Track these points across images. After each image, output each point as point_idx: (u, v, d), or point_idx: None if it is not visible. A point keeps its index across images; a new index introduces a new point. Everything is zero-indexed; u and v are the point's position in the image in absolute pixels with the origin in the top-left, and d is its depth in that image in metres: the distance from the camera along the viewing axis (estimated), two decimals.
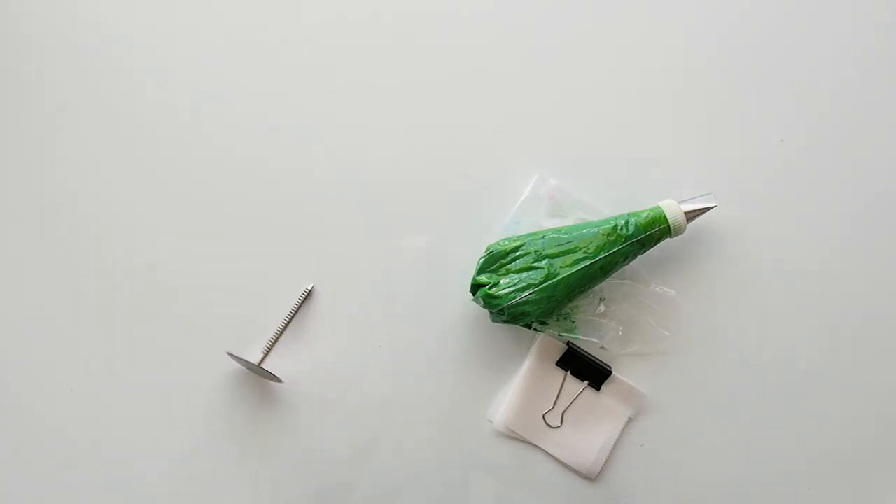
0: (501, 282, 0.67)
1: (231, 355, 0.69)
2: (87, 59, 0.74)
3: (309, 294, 0.72)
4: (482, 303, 0.68)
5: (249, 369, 0.71)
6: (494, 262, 0.68)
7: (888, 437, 0.71)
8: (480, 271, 0.68)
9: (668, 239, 0.70)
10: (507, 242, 0.68)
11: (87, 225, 0.73)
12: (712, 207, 0.70)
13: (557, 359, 0.71)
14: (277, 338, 0.71)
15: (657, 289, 0.72)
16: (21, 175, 0.73)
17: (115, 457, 0.71)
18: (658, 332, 0.71)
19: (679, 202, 0.69)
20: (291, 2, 0.75)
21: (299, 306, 0.72)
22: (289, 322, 0.71)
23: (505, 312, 0.67)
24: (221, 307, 0.72)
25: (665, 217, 0.68)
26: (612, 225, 0.68)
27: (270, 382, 0.72)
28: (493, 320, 0.70)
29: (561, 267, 0.67)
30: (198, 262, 0.72)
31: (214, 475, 0.71)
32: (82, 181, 0.73)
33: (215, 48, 0.74)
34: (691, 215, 0.69)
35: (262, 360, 0.71)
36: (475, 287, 0.68)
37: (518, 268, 0.67)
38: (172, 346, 0.72)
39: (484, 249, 0.68)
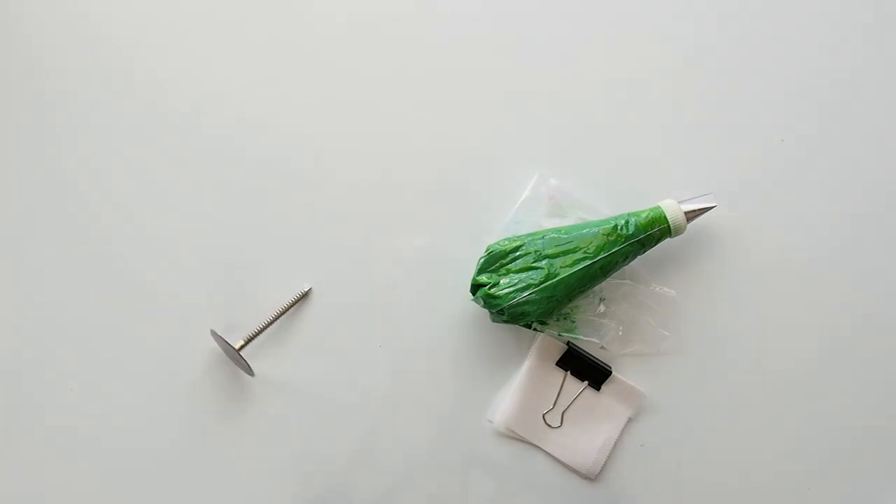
0: (501, 282, 0.67)
1: (214, 334, 0.69)
2: (88, 59, 0.74)
3: (305, 295, 0.72)
4: (482, 303, 0.68)
5: (227, 354, 0.70)
6: (494, 262, 0.68)
7: (888, 438, 0.71)
8: (480, 271, 0.68)
9: (668, 239, 0.70)
10: (507, 242, 0.68)
11: (84, 219, 0.73)
12: (712, 207, 0.70)
13: (557, 359, 0.71)
14: (263, 329, 0.70)
15: (657, 289, 0.72)
16: (18, 174, 0.73)
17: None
18: (658, 332, 0.71)
19: (679, 202, 0.69)
20: (293, 2, 0.75)
21: (293, 304, 0.71)
22: (278, 316, 0.70)
23: (505, 312, 0.66)
24: (217, 300, 0.72)
25: (665, 217, 0.68)
26: (612, 225, 0.68)
27: (244, 375, 0.71)
28: (493, 320, 0.70)
29: (561, 267, 0.67)
30: (194, 258, 0.73)
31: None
32: (79, 178, 0.73)
33: (215, 48, 0.74)
34: (691, 215, 0.69)
35: (243, 346, 0.69)
36: (475, 287, 0.68)
37: (518, 268, 0.67)
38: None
39: (484, 249, 0.68)
